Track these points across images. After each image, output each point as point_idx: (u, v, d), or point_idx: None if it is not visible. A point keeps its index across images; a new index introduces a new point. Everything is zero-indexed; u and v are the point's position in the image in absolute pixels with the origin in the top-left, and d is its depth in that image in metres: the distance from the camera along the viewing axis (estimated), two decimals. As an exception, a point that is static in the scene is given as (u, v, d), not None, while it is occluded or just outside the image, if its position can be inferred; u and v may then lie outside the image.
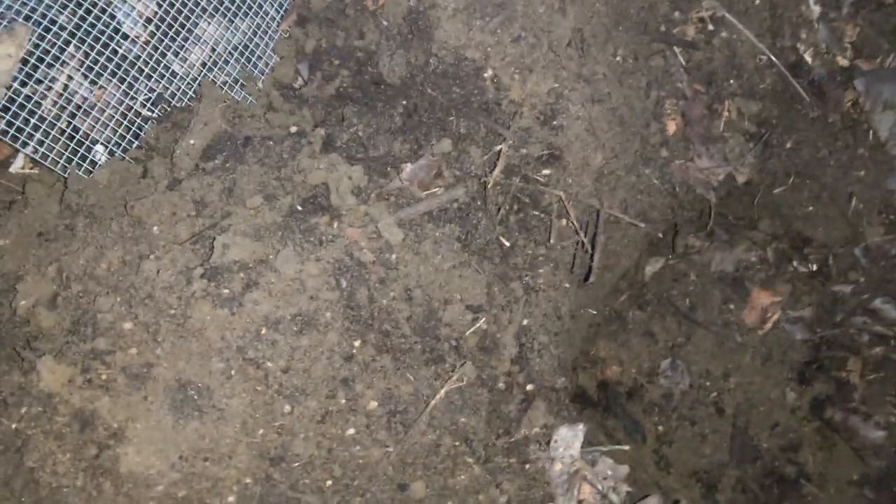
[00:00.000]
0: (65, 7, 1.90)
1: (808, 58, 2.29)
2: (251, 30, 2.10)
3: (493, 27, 1.90)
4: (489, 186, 1.93)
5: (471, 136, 1.93)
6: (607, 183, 2.10)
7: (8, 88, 1.77)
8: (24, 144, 1.85)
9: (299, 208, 1.80)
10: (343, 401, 1.72)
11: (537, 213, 2.04)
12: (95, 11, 1.90)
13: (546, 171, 2.01)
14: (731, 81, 2.25)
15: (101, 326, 1.56)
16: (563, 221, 2.06)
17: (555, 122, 1.98)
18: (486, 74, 1.92)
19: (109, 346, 1.56)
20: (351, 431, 1.72)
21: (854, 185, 2.32)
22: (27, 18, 1.83)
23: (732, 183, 2.31)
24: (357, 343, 1.75)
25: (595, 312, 2.43)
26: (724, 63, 2.26)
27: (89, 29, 1.88)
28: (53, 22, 1.84)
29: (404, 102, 1.96)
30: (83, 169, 1.87)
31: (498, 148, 1.93)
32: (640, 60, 2.15)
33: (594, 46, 2.04)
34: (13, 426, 1.51)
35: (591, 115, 2.00)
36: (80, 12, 1.88)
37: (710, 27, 2.24)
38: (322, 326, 1.69)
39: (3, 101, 1.77)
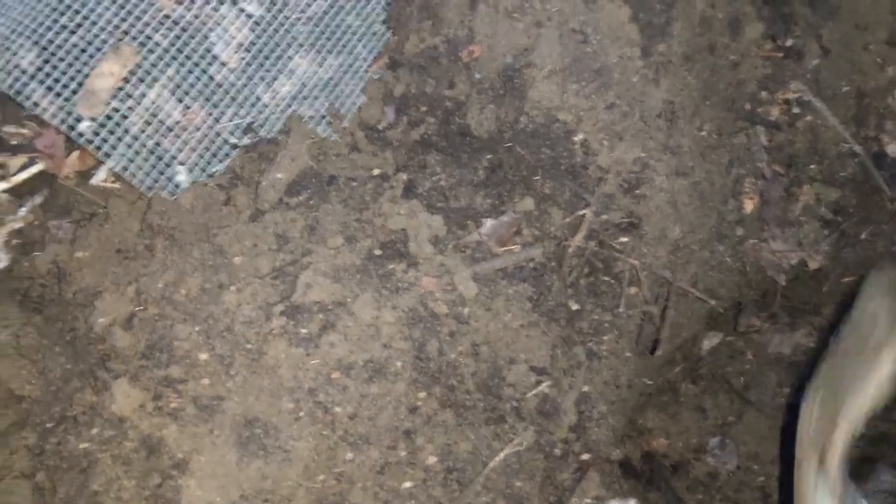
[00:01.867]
0: (161, 25, 1.94)
1: (890, 150, 2.27)
2: (341, 67, 2.12)
3: (588, 92, 1.91)
4: (569, 249, 1.91)
5: (554, 198, 1.92)
6: (681, 256, 2.08)
7: (107, 105, 1.80)
8: (108, 157, 1.87)
9: (378, 252, 1.80)
10: (403, 453, 1.70)
11: (608, 279, 2.02)
12: (190, 32, 1.92)
13: (623, 239, 2.00)
14: (812, 166, 2.23)
15: (176, 354, 1.56)
16: (634, 290, 2.04)
17: (637, 191, 1.97)
18: (575, 138, 1.92)
19: (183, 374, 1.55)
20: (408, 485, 1.69)
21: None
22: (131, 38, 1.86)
23: (803, 267, 2.28)
24: (422, 395, 1.73)
25: (650, 382, 2.39)
26: (806, 147, 2.24)
27: (182, 49, 1.91)
28: (148, 39, 1.87)
29: (490, 157, 1.96)
30: (166, 189, 1.89)
31: (581, 212, 1.92)
32: (724, 137, 2.15)
33: (682, 119, 2.04)
34: (82, 446, 1.50)
35: (673, 188, 1.99)
36: (176, 32, 1.90)
37: (796, 110, 2.23)
38: (392, 375, 1.68)
39: (101, 118, 1.79)
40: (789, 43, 2.25)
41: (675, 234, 2.03)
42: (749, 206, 2.17)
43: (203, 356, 1.56)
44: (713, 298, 2.21)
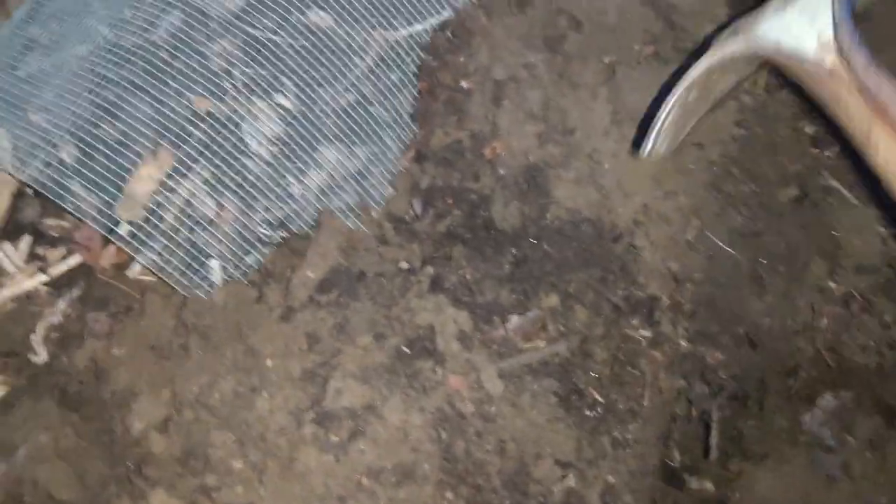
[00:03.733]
0: (196, 121, 2.00)
1: None
2: (369, 159, 2.18)
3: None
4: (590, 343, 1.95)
5: (578, 295, 1.96)
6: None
7: (144, 209, 1.86)
8: (141, 254, 1.92)
9: (406, 350, 1.84)
10: (431, 554, 1.72)
11: (633, 370, 2.04)
12: (223, 126, 1.99)
13: (646, 333, 2.03)
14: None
15: (211, 461, 1.60)
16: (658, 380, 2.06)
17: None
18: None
19: (217, 482, 1.59)
20: (436, 587, 1.72)
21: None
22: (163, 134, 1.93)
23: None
24: (449, 495, 1.75)
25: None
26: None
27: (216, 146, 1.97)
28: (184, 135, 1.94)
29: (514, 251, 2.00)
30: (199, 285, 1.94)
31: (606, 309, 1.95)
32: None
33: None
34: (119, 557, 1.54)
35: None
36: (209, 126, 1.97)
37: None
38: (420, 479, 1.70)
39: (140, 220, 1.86)
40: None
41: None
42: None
43: (237, 465, 1.60)
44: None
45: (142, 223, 1.89)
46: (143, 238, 1.89)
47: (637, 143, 2.05)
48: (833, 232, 2.15)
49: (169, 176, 1.95)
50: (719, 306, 2.11)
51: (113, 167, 1.92)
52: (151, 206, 1.92)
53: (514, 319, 1.94)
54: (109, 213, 1.87)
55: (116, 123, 1.97)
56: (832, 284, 2.18)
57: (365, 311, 1.86)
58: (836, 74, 1.59)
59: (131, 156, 1.95)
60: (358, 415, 1.67)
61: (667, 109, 1.85)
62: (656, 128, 1.87)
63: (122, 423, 1.71)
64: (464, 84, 2.16)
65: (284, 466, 1.61)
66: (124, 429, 1.69)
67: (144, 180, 1.85)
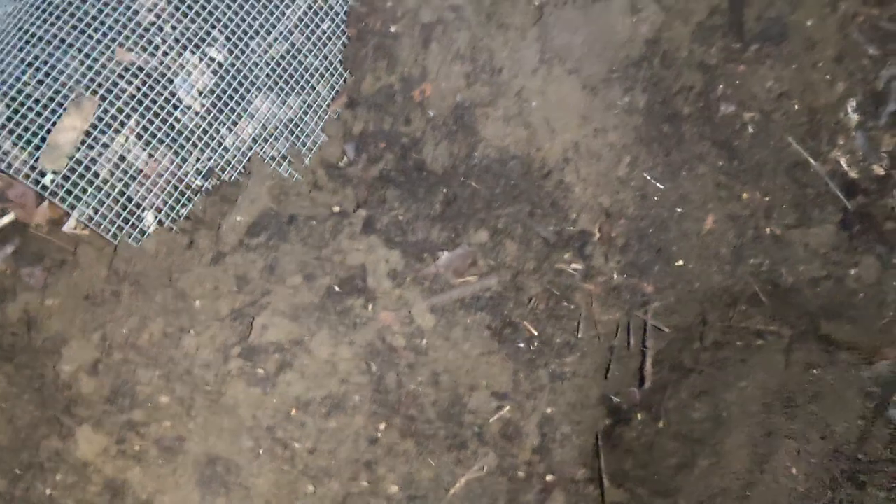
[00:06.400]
0: (124, 76, 2.00)
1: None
2: (302, 108, 2.19)
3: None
4: (521, 277, 1.97)
5: (508, 230, 1.98)
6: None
7: (70, 158, 1.86)
8: (74, 207, 1.93)
9: (337, 289, 1.86)
10: (365, 483, 1.75)
11: (568, 304, 2.07)
12: (154, 80, 1.99)
13: (578, 266, 2.05)
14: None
15: (138, 398, 1.62)
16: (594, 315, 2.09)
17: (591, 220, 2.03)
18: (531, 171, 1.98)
19: (145, 417, 1.61)
20: (370, 515, 1.75)
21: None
22: (90, 88, 1.93)
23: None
24: (382, 426, 1.78)
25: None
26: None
27: (143, 99, 1.97)
28: (113, 88, 1.94)
29: (445, 191, 2.02)
30: (132, 236, 1.95)
31: (535, 243, 1.97)
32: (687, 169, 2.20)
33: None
34: (47, 492, 1.56)
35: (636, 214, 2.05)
36: (139, 81, 1.97)
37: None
38: (350, 409, 1.73)
39: (65, 170, 1.86)
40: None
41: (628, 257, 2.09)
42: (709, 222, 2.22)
43: (164, 399, 1.62)
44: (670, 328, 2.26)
45: (69, 174, 1.89)
46: (77, 193, 1.90)
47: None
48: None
49: (101, 131, 1.96)
50: (651, 240, 2.14)
51: (42, 123, 1.93)
52: (83, 160, 1.92)
53: (445, 256, 1.96)
54: (34, 164, 1.87)
55: (46, 80, 1.97)
56: (763, 217, 2.23)
57: (295, 252, 1.88)
58: None
59: (60, 111, 1.95)
60: (285, 349, 1.70)
61: None
62: None
63: (52, 368, 1.72)
64: (392, 28, 2.16)
65: (212, 400, 1.63)
66: (54, 374, 1.71)
67: (68, 130, 1.85)
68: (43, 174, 1.88)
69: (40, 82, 1.98)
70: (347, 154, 2.13)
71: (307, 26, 2.22)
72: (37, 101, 1.96)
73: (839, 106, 2.37)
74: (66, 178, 1.89)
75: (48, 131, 1.93)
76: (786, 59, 2.31)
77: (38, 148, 1.89)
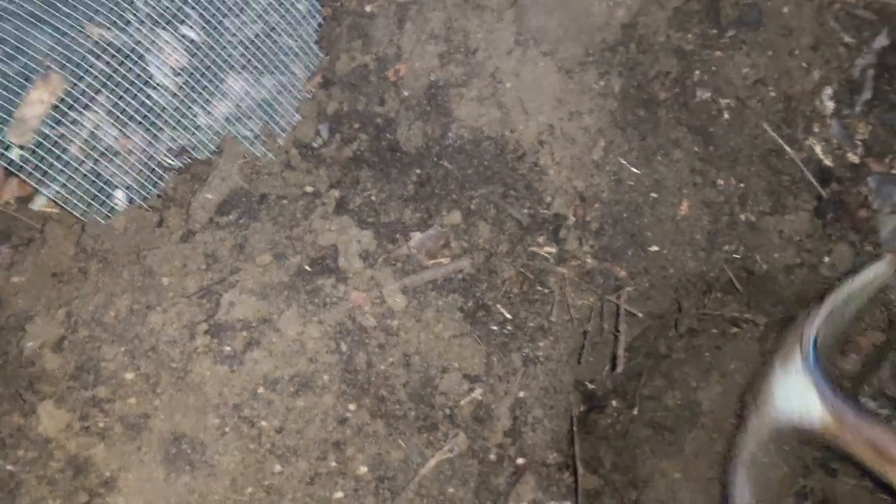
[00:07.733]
0: (95, 51, 1.98)
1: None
2: (276, 88, 2.17)
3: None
4: (494, 259, 1.96)
5: (481, 211, 1.97)
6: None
7: (36, 133, 1.84)
8: (45, 185, 1.90)
9: (307, 269, 1.84)
10: (333, 463, 1.74)
11: (541, 287, 2.07)
12: (126, 56, 1.97)
13: (551, 250, 2.05)
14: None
15: (103, 374, 1.60)
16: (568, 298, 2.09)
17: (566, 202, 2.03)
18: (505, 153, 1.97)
19: (109, 394, 1.59)
20: (339, 495, 1.74)
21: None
22: (63, 65, 1.90)
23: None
24: (352, 407, 1.77)
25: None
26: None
27: (114, 75, 1.95)
28: (83, 64, 1.91)
29: (418, 171, 2.01)
30: (102, 214, 1.93)
31: (509, 225, 1.97)
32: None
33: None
34: (8, 468, 1.54)
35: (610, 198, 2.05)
36: (110, 57, 1.95)
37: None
38: (319, 388, 1.72)
39: (32, 144, 1.83)
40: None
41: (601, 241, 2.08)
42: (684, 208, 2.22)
43: (129, 376, 1.60)
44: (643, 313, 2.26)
45: (38, 150, 1.86)
46: (42, 166, 1.87)
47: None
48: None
49: (71, 107, 1.93)
50: (626, 225, 2.14)
51: (11, 97, 1.90)
52: (49, 135, 1.90)
53: (418, 237, 1.95)
54: (1, 139, 1.84)
55: (17, 55, 1.94)
56: (738, 204, 2.23)
57: (266, 231, 1.87)
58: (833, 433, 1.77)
59: (30, 86, 1.92)
60: (252, 326, 1.68)
61: None
62: None
63: (16, 345, 1.70)
64: (367, 8, 2.15)
65: (178, 377, 1.62)
66: (18, 350, 1.69)
67: (35, 104, 1.83)
68: (7, 148, 1.85)
69: (10, 57, 1.95)
70: (321, 134, 2.12)
71: (282, 5, 2.20)
72: (6, 76, 1.93)
73: (815, 93, 2.38)
74: (35, 153, 1.86)
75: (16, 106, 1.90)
76: (762, 46, 2.31)
77: (5, 122, 1.86)
